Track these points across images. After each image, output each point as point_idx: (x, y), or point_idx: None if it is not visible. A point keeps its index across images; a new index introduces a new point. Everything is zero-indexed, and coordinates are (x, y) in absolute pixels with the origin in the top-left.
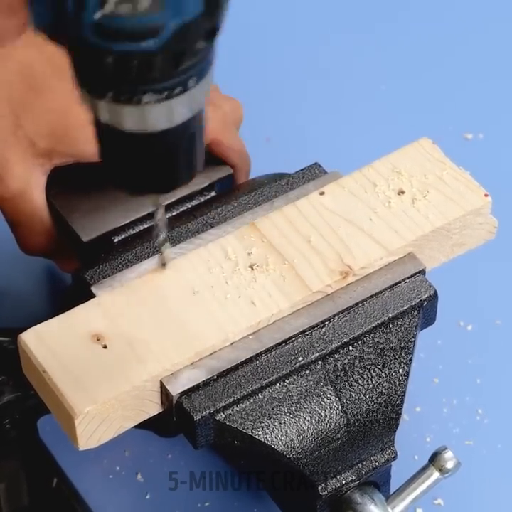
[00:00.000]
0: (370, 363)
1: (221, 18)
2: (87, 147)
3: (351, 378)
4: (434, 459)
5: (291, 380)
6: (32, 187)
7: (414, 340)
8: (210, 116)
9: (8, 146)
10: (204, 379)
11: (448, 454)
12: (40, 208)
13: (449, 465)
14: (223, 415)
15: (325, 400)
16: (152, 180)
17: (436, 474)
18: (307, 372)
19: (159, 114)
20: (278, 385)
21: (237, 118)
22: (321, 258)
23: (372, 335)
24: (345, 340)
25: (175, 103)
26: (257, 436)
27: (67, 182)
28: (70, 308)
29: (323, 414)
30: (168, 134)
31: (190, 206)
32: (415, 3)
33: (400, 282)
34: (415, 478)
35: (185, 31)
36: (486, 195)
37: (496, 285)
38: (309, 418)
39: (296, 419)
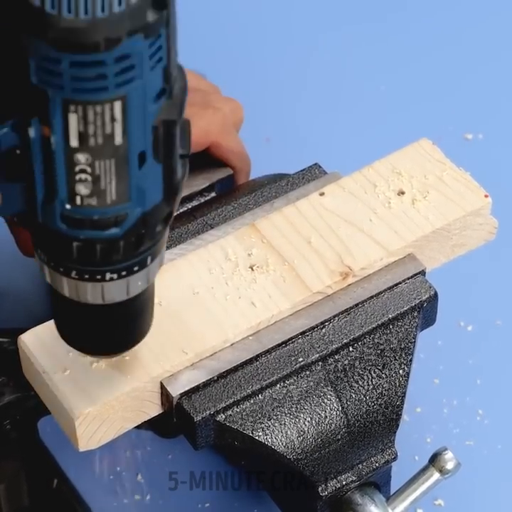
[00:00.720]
0: (371, 363)
1: (177, 203)
2: None
3: (351, 379)
4: (434, 459)
5: (292, 381)
6: None
7: (415, 341)
8: (210, 119)
9: None
10: (204, 380)
11: (448, 455)
12: None
13: (449, 466)
14: (223, 416)
15: (325, 400)
16: (104, 343)
17: (436, 475)
18: (307, 373)
19: (118, 289)
20: (278, 385)
21: (238, 119)
22: (321, 259)
23: (372, 336)
24: (345, 341)
25: (132, 279)
26: (257, 437)
27: None
28: None
29: (323, 415)
30: (122, 304)
31: (190, 207)
32: (415, 4)
33: (400, 283)
34: (415, 479)
35: (146, 218)
36: (486, 196)
37: (496, 286)
38: (309, 419)
39: (297, 420)
